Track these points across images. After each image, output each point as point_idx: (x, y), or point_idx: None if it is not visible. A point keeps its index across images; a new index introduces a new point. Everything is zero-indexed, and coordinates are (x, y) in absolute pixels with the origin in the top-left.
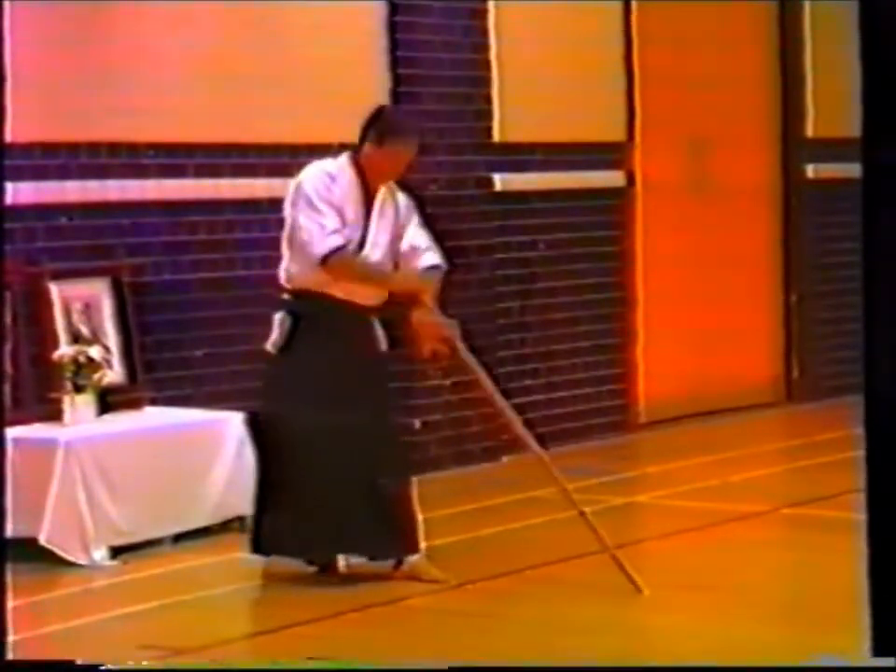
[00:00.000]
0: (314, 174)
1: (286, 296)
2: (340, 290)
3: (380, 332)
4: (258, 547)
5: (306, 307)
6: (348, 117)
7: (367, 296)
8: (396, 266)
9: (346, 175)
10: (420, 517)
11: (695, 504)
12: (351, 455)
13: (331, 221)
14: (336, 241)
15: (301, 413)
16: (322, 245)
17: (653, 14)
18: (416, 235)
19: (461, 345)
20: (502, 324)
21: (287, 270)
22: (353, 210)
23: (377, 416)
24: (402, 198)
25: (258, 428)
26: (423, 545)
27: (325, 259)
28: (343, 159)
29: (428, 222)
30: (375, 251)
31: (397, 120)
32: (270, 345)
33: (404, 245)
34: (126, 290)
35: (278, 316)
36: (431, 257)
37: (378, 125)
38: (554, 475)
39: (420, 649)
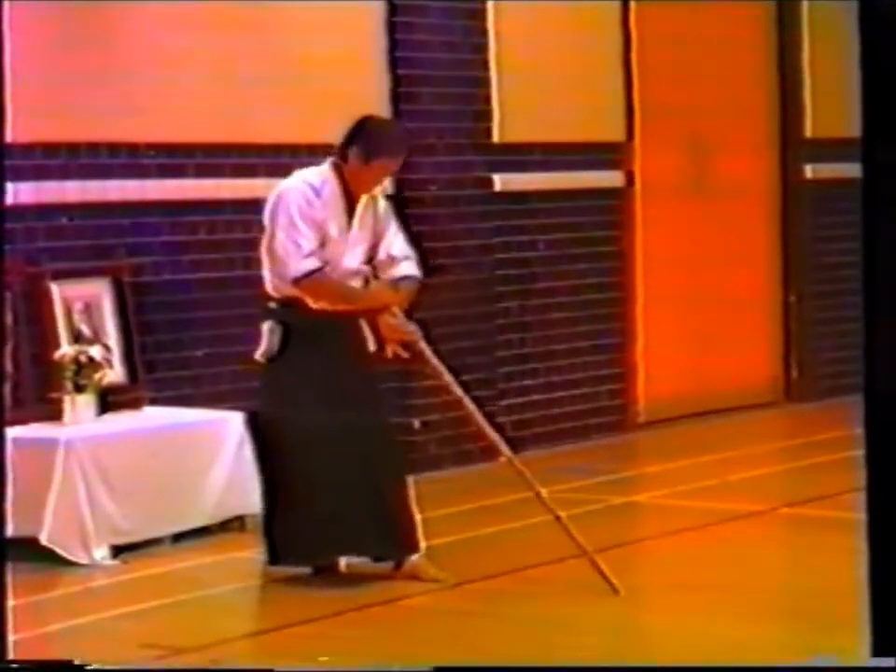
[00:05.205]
0: (296, 187)
1: (272, 305)
2: None
3: (368, 332)
4: (273, 556)
5: (295, 316)
6: (348, 117)
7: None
8: (373, 269)
9: (330, 187)
10: (418, 516)
11: (694, 503)
12: (349, 457)
13: (308, 242)
14: (311, 264)
15: (298, 419)
16: (297, 266)
17: (652, 14)
18: (393, 243)
19: (426, 348)
20: (502, 324)
21: (272, 280)
22: (336, 222)
23: (372, 417)
24: (381, 203)
25: (258, 435)
26: (423, 544)
27: (297, 281)
28: (326, 169)
29: (406, 226)
30: (352, 259)
31: (382, 137)
32: (260, 355)
33: (381, 255)
34: (126, 290)
35: (266, 326)
36: (406, 267)
37: (363, 141)
38: (528, 479)
39: (419, 648)
